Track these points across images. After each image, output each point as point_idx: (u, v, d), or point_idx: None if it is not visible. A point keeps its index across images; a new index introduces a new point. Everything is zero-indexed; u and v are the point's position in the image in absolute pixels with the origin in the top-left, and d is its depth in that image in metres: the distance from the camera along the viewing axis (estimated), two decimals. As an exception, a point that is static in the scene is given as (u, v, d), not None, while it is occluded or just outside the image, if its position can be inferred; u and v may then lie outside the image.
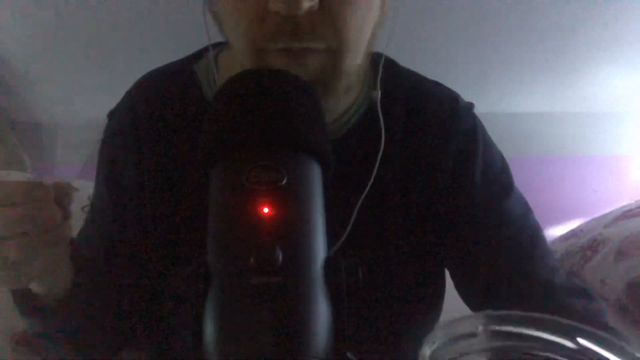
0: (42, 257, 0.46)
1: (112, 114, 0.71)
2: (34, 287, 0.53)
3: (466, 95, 0.73)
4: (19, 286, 0.49)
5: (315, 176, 0.40)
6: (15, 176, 1.40)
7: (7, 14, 1.62)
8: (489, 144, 0.71)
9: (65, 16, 1.62)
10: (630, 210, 1.71)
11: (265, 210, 0.37)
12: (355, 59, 0.56)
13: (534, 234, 0.68)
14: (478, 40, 1.76)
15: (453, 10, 1.66)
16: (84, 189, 1.11)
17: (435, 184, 0.66)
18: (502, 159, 0.71)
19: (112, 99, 0.72)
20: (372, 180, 0.63)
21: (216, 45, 0.69)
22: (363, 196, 0.62)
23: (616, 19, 1.71)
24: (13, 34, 1.69)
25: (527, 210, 0.70)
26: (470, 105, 0.71)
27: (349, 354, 0.38)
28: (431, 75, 0.73)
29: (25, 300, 0.54)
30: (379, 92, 0.66)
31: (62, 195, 0.46)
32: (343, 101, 0.65)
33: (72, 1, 1.58)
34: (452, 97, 0.71)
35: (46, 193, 0.45)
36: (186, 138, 0.65)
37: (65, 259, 0.53)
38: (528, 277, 0.64)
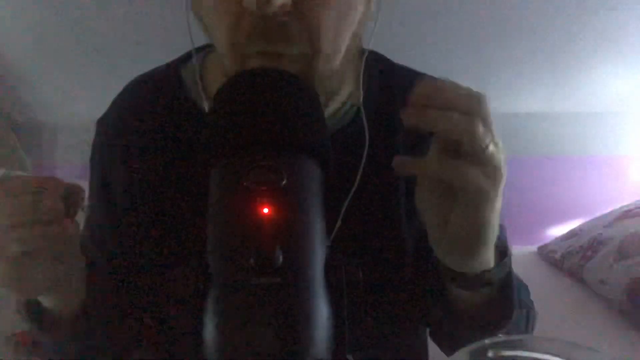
0: (49, 257, 0.46)
1: (100, 122, 0.70)
2: (47, 301, 0.52)
3: (466, 96, 0.73)
4: (21, 289, 0.48)
5: (315, 177, 0.40)
6: (15, 176, 1.40)
7: (8, 15, 1.62)
8: None
9: (66, 17, 1.62)
10: (630, 210, 1.71)
11: (265, 210, 0.37)
12: (332, 63, 0.55)
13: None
14: (478, 40, 1.76)
15: (453, 11, 1.66)
16: (85, 189, 1.10)
17: None
18: None
19: (112, 100, 0.72)
20: (359, 176, 0.62)
21: (204, 47, 0.68)
22: (352, 193, 0.62)
23: (616, 19, 1.71)
24: (14, 35, 1.69)
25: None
26: None
27: (348, 356, 0.38)
28: (431, 75, 0.73)
29: (39, 317, 0.53)
30: (361, 92, 0.65)
31: (71, 192, 0.46)
32: (333, 102, 0.64)
33: (72, 2, 1.59)
34: None
35: (54, 185, 0.45)
36: (175, 142, 0.65)
37: (77, 270, 0.52)
38: None
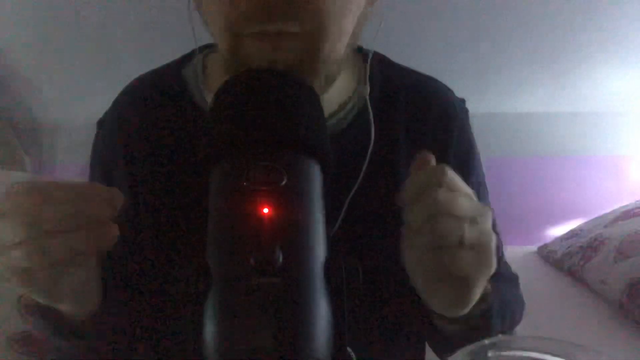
0: (85, 262, 0.45)
1: (100, 123, 0.70)
2: (64, 306, 0.51)
3: (466, 95, 0.73)
4: (55, 295, 0.47)
5: (315, 176, 0.40)
6: (16, 176, 1.40)
7: (9, 15, 1.62)
8: (475, 141, 0.72)
9: (66, 17, 1.62)
10: (630, 210, 1.71)
11: (265, 210, 0.37)
12: (334, 47, 0.54)
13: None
14: (478, 40, 1.76)
15: (453, 10, 1.66)
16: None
17: None
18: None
19: (112, 100, 0.72)
20: (362, 175, 0.62)
21: (206, 47, 0.68)
22: (353, 191, 0.62)
23: (616, 19, 1.71)
24: (14, 35, 1.69)
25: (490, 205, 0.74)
26: (463, 101, 0.72)
27: (348, 349, 0.38)
28: (432, 75, 0.73)
29: (56, 322, 0.52)
30: (368, 86, 0.65)
31: (111, 197, 0.45)
32: (333, 98, 0.64)
33: (73, 2, 1.59)
34: (449, 93, 0.72)
35: (97, 190, 0.45)
36: (176, 142, 0.65)
37: (97, 271, 0.51)
38: None
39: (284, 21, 0.50)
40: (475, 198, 0.48)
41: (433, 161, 0.48)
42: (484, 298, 0.54)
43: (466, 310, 0.52)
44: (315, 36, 0.52)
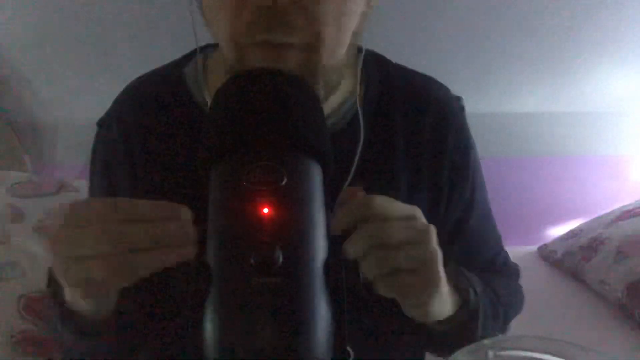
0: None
1: (101, 123, 0.70)
2: (83, 306, 0.51)
3: (466, 95, 0.73)
4: (102, 300, 0.48)
5: (316, 176, 0.41)
6: (16, 176, 1.40)
7: (8, 15, 1.62)
8: (472, 137, 0.73)
9: (66, 17, 1.62)
10: (630, 210, 1.71)
11: (265, 210, 0.37)
12: (334, 55, 0.55)
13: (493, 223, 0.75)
14: (478, 40, 1.76)
15: (453, 10, 1.66)
16: (84, 190, 1.11)
17: (437, 181, 0.67)
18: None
19: (112, 100, 0.72)
20: (352, 174, 0.63)
21: (206, 47, 0.68)
22: (344, 188, 0.62)
23: (616, 19, 1.71)
24: (14, 35, 1.69)
25: (488, 200, 0.75)
26: (459, 99, 0.72)
27: (348, 349, 0.38)
28: (431, 75, 0.73)
29: (76, 321, 0.53)
30: (359, 87, 0.66)
31: (190, 215, 0.45)
32: (332, 98, 0.65)
33: (73, 2, 1.59)
34: (446, 92, 0.72)
35: (179, 211, 0.43)
36: (177, 142, 0.65)
37: None
38: (477, 253, 0.71)
39: (283, 32, 0.51)
40: (417, 217, 0.47)
41: (361, 193, 0.47)
42: (465, 301, 0.55)
43: (433, 319, 0.53)
44: (314, 46, 0.53)
